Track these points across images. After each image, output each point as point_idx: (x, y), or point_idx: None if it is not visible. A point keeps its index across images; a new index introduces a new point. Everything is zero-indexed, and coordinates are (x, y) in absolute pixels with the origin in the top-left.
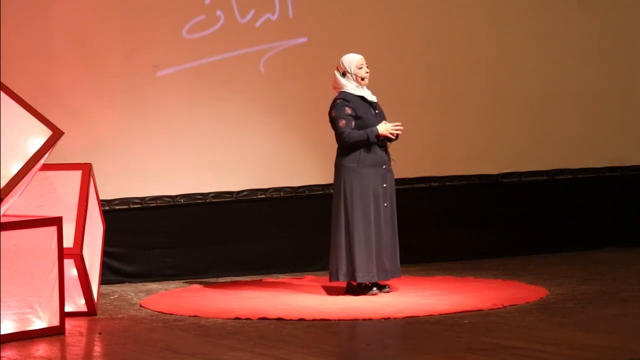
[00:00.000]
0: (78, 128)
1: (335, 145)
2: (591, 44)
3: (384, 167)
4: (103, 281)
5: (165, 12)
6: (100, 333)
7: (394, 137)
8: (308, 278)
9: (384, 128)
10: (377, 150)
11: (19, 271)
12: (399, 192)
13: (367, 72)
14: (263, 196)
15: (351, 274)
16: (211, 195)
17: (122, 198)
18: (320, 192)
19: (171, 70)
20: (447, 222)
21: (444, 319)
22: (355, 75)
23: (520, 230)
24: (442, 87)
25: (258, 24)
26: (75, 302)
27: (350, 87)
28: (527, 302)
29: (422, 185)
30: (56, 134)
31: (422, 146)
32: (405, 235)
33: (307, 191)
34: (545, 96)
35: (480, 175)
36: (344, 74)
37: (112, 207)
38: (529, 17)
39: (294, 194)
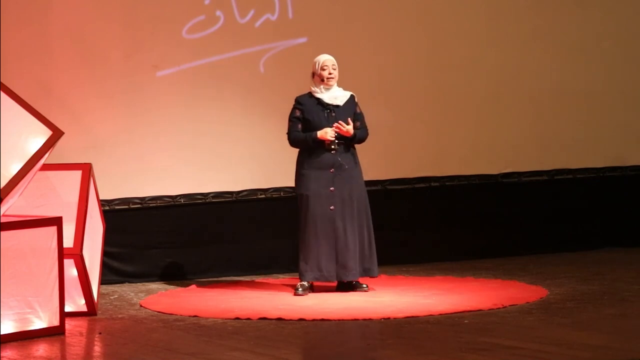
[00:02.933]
0: (78, 128)
1: None
2: (591, 44)
3: (331, 170)
4: (103, 281)
5: (165, 12)
6: (100, 333)
7: (332, 139)
8: None
9: (322, 131)
10: (324, 153)
11: (19, 271)
12: (399, 192)
13: (331, 74)
14: (263, 196)
15: (300, 273)
16: (211, 195)
17: (122, 198)
18: None
19: (171, 70)
20: (447, 222)
21: (444, 319)
22: (319, 75)
23: (520, 230)
24: (442, 87)
25: (258, 24)
26: (75, 302)
27: (313, 89)
28: (527, 302)
29: (422, 185)
30: (56, 134)
31: (422, 146)
32: (406, 235)
33: None
34: (545, 96)
35: (480, 175)
36: (313, 75)
37: (112, 207)
38: (529, 17)
39: (294, 194)
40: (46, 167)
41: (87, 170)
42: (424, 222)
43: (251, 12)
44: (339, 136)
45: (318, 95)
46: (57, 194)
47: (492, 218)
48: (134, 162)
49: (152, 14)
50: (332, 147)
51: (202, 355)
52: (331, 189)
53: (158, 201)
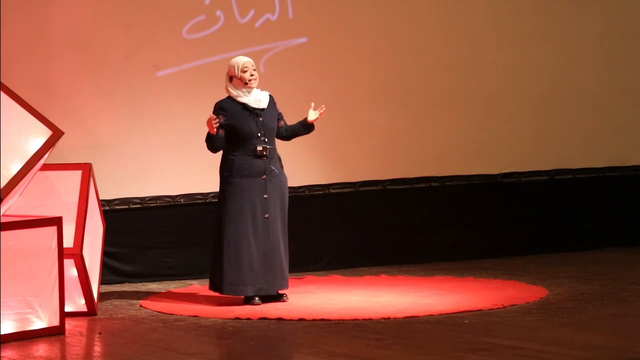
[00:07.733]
0: (78, 128)
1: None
2: (592, 44)
3: (263, 177)
4: (103, 281)
5: (165, 12)
6: (100, 333)
7: (216, 125)
8: (308, 278)
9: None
10: (254, 160)
11: (19, 271)
12: (399, 192)
13: (253, 75)
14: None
15: (219, 286)
16: (211, 195)
17: (122, 198)
18: (320, 192)
19: (171, 70)
20: (447, 222)
21: (444, 319)
22: (240, 79)
23: (520, 230)
24: (442, 86)
25: (258, 24)
26: (75, 302)
27: (235, 93)
28: (527, 302)
29: (422, 185)
30: (56, 134)
31: (422, 146)
32: (406, 235)
33: (307, 191)
34: (545, 96)
35: (480, 175)
36: (231, 79)
37: (112, 207)
38: (529, 17)
39: (294, 194)
40: (46, 167)
41: (87, 170)
42: (424, 222)
43: (251, 12)
44: (269, 141)
45: (242, 100)
46: (57, 194)
47: (492, 218)
48: (134, 162)
49: (152, 14)
50: (264, 153)
51: (202, 355)
52: (265, 196)
53: (158, 201)
